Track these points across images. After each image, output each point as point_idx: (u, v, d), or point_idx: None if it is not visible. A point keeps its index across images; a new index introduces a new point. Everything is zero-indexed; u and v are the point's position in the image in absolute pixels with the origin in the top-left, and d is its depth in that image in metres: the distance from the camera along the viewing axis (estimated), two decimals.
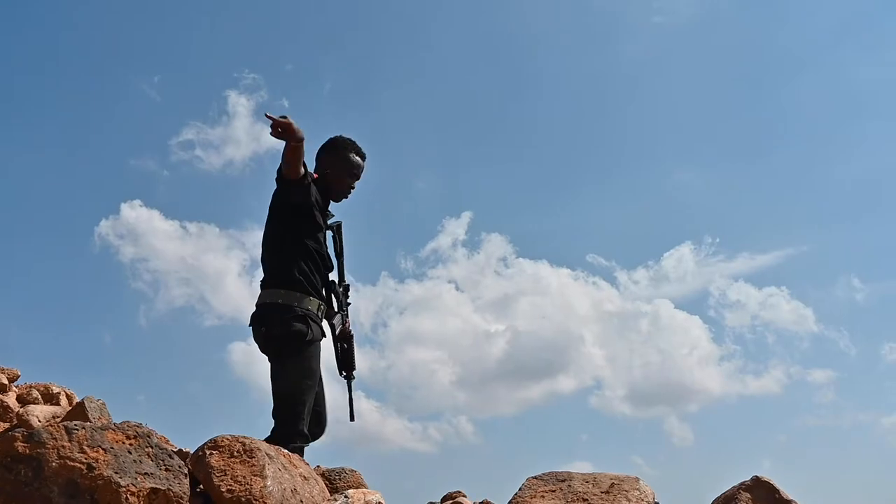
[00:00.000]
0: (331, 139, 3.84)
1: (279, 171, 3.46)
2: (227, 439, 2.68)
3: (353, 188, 3.81)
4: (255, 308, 3.57)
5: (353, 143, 3.84)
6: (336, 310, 3.77)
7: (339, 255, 3.85)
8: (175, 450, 3.15)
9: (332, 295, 3.75)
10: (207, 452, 2.63)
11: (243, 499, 2.48)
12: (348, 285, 3.81)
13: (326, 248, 3.72)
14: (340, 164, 3.76)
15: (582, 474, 3.37)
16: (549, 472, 3.44)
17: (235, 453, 2.64)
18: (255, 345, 3.58)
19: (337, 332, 3.77)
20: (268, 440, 3.10)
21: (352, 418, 3.83)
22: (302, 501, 2.70)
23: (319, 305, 3.55)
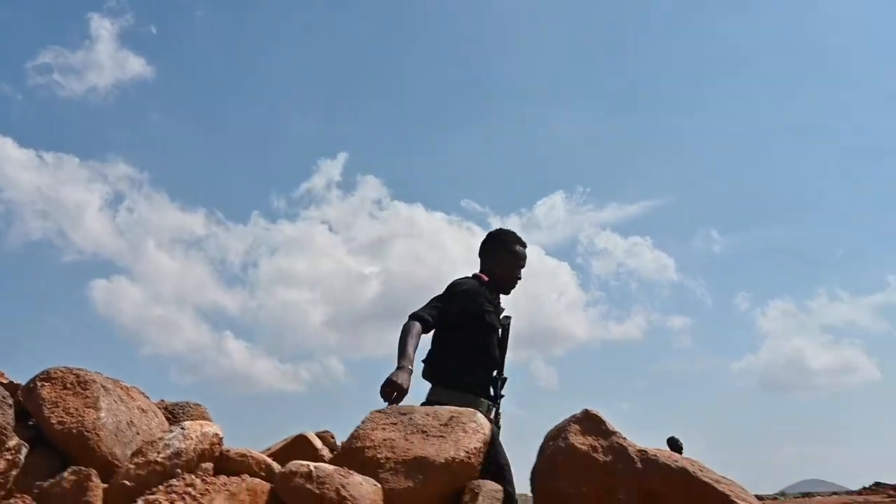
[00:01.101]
0: (496, 235, 3.98)
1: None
2: (61, 371, 2.61)
3: (520, 278, 3.95)
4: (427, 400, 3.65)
5: (515, 234, 3.98)
6: (491, 401, 3.83)
7: (504, 348, 3.90)
8: (5, 382, 3.03)
9: (491, 387, 3.85)
10: (39, 384, 2.56)
11: (75, 431, 2.43)
12: (506, 378, 3.88)
13: (492, 342, 3.82)
14: (510, 259, 3.91)
15: (424, 408, 3.49)
16: (393, 406, 3.55)
17: (68, 385, 2.57)
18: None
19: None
20: None
21: None
22: (138, 433, 2.68)
23: (489, 406, 3.75)
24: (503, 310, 3.98)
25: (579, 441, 3.22)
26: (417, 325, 3.55)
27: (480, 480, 3.34)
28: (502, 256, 3.96)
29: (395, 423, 3.38)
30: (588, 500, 3.18)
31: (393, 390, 3.46)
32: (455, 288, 3.76)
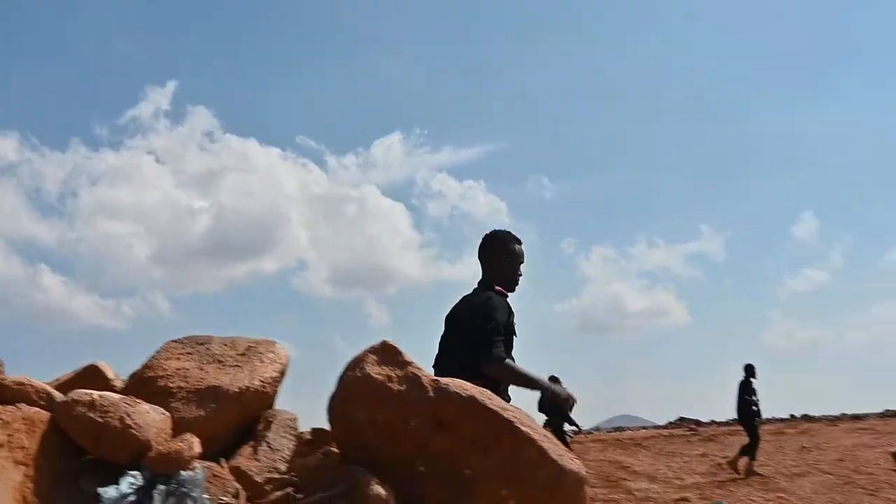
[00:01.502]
0: (493, 238, 3.98)
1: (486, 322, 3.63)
2: None
3: (521, 275, 4.01)
4: None
5: (510, 234, 4.00)
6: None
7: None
8: None
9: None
10: None
11: None
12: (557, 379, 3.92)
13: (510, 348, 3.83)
14: (513, 261, 3.94)
15: (221, 338, 3.45)
16: (190, 336, 3.48)
17: None
18: None
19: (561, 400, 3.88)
20: None
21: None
22: None
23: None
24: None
25: (375, 371, 3.30)
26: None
27: (277, 409, 3.36)
28: (506, 260, 3.99)
29: (190, 353, 3.33)
30: (382, 428, 3.29)
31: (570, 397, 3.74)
32: (503, 318, 3.78)
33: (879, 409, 26.91)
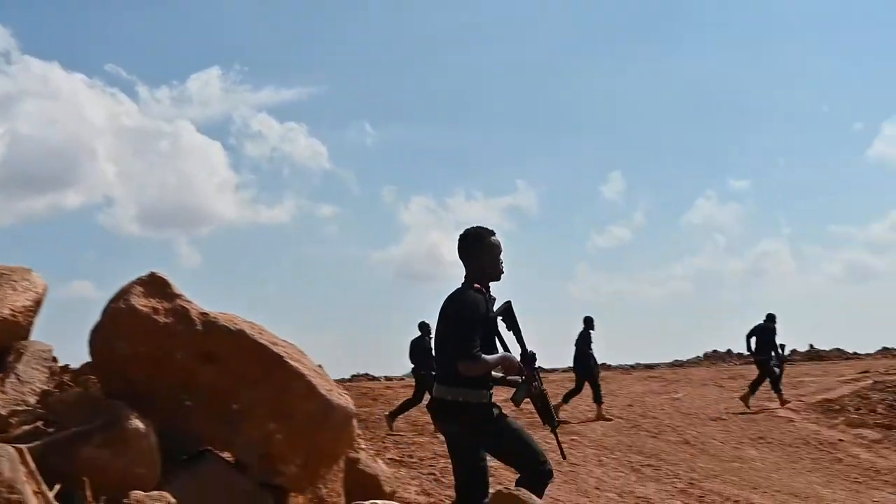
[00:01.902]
0: (471, 235, 4.16)
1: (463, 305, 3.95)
2: None
3: (503, 262, 4.22)
4: (443, 400, 4.00)
5: (485, 228, 4.24)
6: (529, 381, 4.15)
7: (518, 331, 4.21)
8: None
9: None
10: None
11: None
12: (534, 353, 4.22)
13: (496, 333, 4.14)
14: (492, 254, 4.15)
15: None
16: None
17: None
18: None
19: (533, 395, 4.16)
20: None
21: (563, 456, 4.56)
22: None
23: (490, 395, 4.06)
24: (495, 299, 4.23)
25: (141, 303, 3.19)
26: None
27: (30, 341, 3.18)
28: (485, 254, 4.18)
29: None
30: (146, 361, 3.19)
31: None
32: (476, 315, 4.03)
33: (669, 360, 29.29)
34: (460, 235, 4.26)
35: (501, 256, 4.25)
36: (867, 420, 13.28)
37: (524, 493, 3.52)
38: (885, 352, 30.11)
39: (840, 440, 11.69)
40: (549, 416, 4.28)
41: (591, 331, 13.79)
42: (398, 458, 7.81)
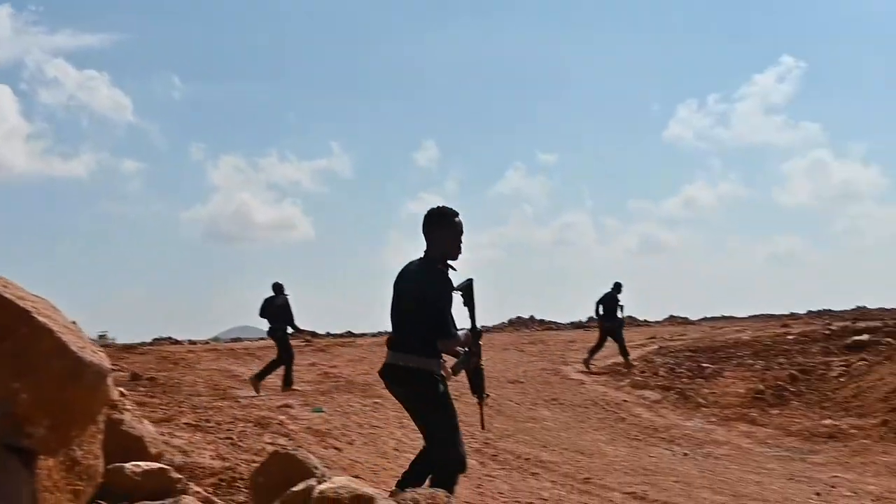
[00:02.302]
0: (435, 214, 4.45)
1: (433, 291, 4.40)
2: None
3: (462, 243, 4.51)
4: (395, 365, 4.47)
5: (450, 209, 4.49)
6: (468, 356, 4.52)
7: (473, 308, 4.57)
8: None
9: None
10: None
11: None
12: (481, 331, 4.63)
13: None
14: (454, 235, 4.45)
15: None
16: None
17: None
18: None
19: (470, 368, 4.57)
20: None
21: (482, 427, 5.20)
22: None
23: (443, 364, 4.46)
24: (447, 269, 4.51)
25: None
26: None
27: None
28: (450, 234, 4.47)
29: None
30: None
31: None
32: (450, 293, 4.48)
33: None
34: (427, 212, 4.52)
35: (462, 238, 4.53)
36: (650, 382, 14.34)
37: (301, 453, 3.44)
38: (672, 319, 32.70)
39: (625, 401, 12.53)
40: (480, 388, 4.70)
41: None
42: (194, 423, 7.48)
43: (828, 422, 11.53)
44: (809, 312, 30.04)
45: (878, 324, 20.28)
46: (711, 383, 14.58)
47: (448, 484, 4.20)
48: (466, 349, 4.52)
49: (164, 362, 15.28)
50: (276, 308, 13.04)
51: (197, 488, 4.04)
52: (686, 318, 33.08)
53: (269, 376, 12.54)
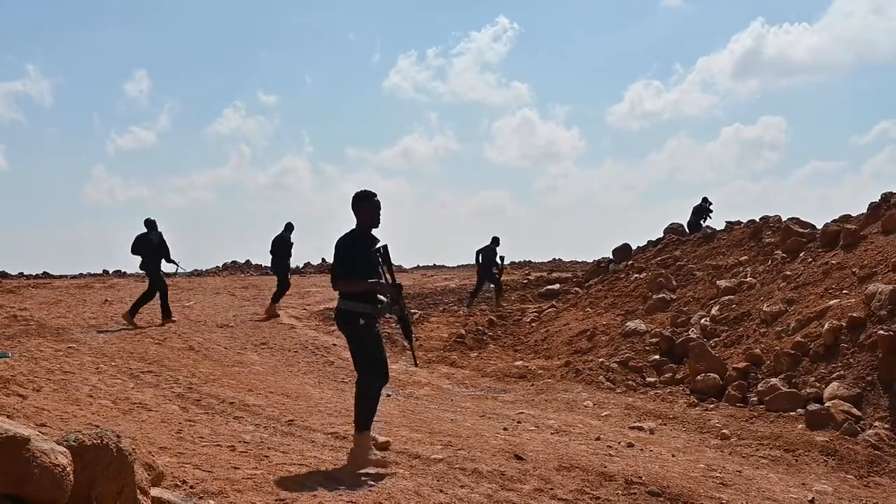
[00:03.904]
0: (359, 195, 5.72)
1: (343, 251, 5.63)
2: None
3: (380, 216, 5.76)
4: (336, 308, 5.77)
5: (368, 191, 5.77)
6: (389, 304, 5.68)
7: (390, 267, 5.77)
8: None
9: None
10: None
11: None
12: (400, 285, 5.77)
13: (377, 265, 5.70)
14: (371, 208, 5.72)
15: None
16: None
17: None
18: None
19: (396, 316, 5.85)
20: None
21: (416, 364, 7.26)
22: None
23: (365, 307, 5.59)
24: (378, 240, 5.77)
25: None
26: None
27: None
28: (366, 207, 5.69)
29: None
30: None
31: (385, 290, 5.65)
32: (344, 251, 5.61)
33: (189, 270, 29.05)
34: (354, 194, 5.72)
35: (380, 210, 5.73)
36: None
37: None
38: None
39: (334, 345, 12.67)
40: (408, 333, 6.03)
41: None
42: None
43: (519, 363, 12.58)
44: (512, 263, 32.45)
45: (568, 275, 22.48)
46: (418, 328, 15.25)
47: (363, 402, 5.46)
48: (389, 298, 5.64)
49: None
50: (146, 245, 13.38)
51: None
52: (400, 266, 34.23)
53: None
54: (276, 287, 15.38)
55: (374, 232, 5.78)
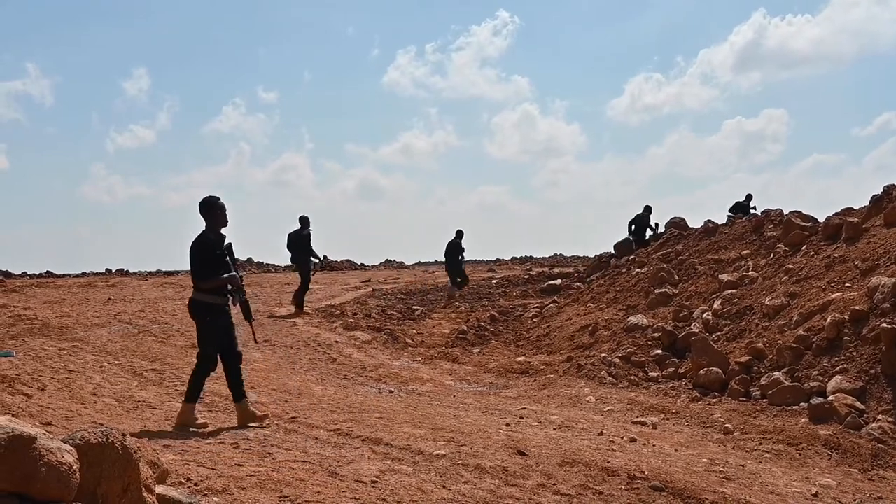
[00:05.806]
0: (208, 202, 6.59)
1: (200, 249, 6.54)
2: None
3: (227, 217, 6.70)
4: (191, 300, 6.68)
5: (215, 197, 6.66)
6: (236, 292, 6.73)
7: (233, 261, 6.80)
8: None
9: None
10: None
11: None
12: (242, 276, 6.90)
13: (225, 261, 6.65)
14: (218, 213, 6.59)
15: None
16: None
17: None
18: None
19: (240, 303, 6.84)
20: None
21: (255, 341, 8.58)
22: None
23: (211, 300, 6.57)
24: (224, 237, 6.70)
25: None
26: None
27: None
28: (215, 214, 6.58)
29: None
30: None
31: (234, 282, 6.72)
32: (202, 253, 6.48)
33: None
34: (200, 202, 6.58)
35: (228, 214, 6.64)
36: (361, 324, 14.65)
37: None
38: (388, 263, 33.70)
39: (336, 342, 12.67)
40: (248, 315, 7.18)
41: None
42: None
43: (521, 359, 12.57)
44: (514, 259, 32.43)
45: (570, 270, 22.49)
46: (420, 324, 15.26)
47: (198, 376, 6.57)
48: (235, 288, 6.66)
49: None
50: (305, 241, 14.61)
51: None
52: (401, 263, 34.27)
53: None
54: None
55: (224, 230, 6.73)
